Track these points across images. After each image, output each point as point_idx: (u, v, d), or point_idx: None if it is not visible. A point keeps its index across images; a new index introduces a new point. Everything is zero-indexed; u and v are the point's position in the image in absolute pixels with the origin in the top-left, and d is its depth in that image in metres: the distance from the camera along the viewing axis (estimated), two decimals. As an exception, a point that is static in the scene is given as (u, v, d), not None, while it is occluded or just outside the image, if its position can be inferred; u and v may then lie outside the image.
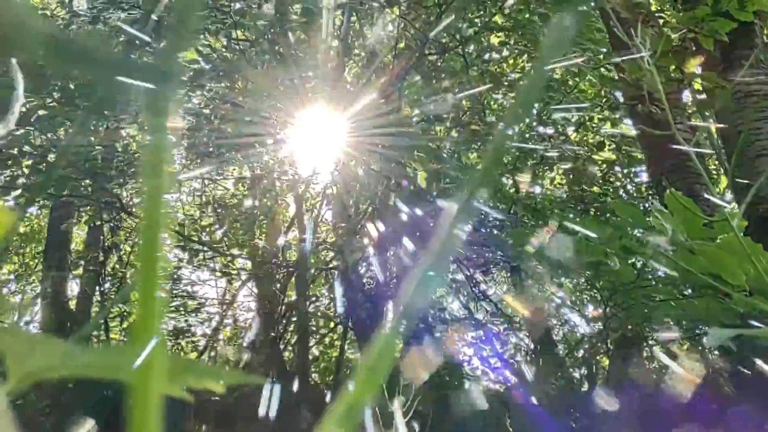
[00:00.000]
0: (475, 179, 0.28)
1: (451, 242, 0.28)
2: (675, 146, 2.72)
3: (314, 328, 6.63)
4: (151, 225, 0.25)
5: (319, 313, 6.84)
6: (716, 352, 4.17)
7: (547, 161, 5.02)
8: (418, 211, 4.10)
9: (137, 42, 4.28)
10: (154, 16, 3.78)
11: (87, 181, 4.73)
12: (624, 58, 2.89)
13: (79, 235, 7.50)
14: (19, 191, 4.48)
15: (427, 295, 0.28)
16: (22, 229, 7.24)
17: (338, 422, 0.24)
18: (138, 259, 0.25)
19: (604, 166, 5.25)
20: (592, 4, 4.24)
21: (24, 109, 4.16)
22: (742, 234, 1.38)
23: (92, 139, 4.44)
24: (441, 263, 0.28)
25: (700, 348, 4.56)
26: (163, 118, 0.25)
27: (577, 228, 2.27)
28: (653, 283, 2.46)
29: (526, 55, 5.01)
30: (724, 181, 4.91)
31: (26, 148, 4.36)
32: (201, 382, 0.37)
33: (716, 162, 5.22)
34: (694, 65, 2.97)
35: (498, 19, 4.96)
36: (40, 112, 4.21)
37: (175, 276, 6.58)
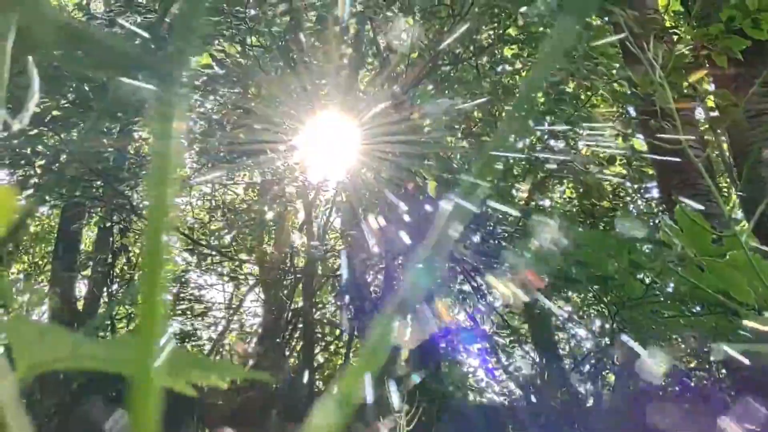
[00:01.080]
0: (470, 181, 0.28)
1: (445, 240, 0.28)
2: (686, 162, 2.70)
3: (320, 335, 6.63)
4: (155, 229, 0.25)
5: (325, 320, 6.83)
6: (723, 371, 4.14)
7: (556, 174, 5.01)
8: (427, 220, 4.10)
9: (153, 46, 4.30)
10: (168, 20, 3.80)
11: (98, 182, 4.75)
12: (633, 72, 2.89)
13: (88, 236, 7.54)
14: (30, 191, 4.51)
15: (422, 289, 0.29)
16: (32, 229, 7.29)
17: (331, 409, 0.24)
18: (143, 260, 0.25)
19: (615, 180, 5.24)
20: (606, 18, 4.25)
21: (38, 110, 4.19)
22: (751, 251, 1.37)
23: (104, 140, 4.47)
24: (435, 260, 0.28)
25: (707, 366, 4.53)
26: (169, 123, 0.26)
27: (586, 241, 2.27)
28: (661, 299, 2.45)
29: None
30: (734, 199, 4.89)
31: (39, 148, 4.40)
32: (206, 377, 0.37)
33: (727, 180, 5.20)
34: (701, 76, 2.97)
35: (512, 31, 4.97)
36: (54, 113, 4.24)
37: (183, 279, 6.60)
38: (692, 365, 4.67)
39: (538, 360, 5.63)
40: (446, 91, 4.54)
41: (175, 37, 0.27)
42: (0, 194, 0.27)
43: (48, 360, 0.35)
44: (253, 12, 4.40)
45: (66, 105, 4.26)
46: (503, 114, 4.93)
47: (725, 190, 5.11)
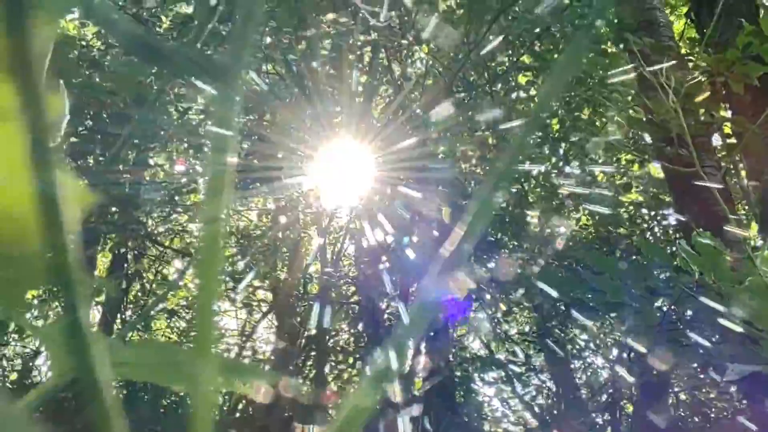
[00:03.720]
0: (476, 210, 0.28)
1: (455, 262, 0.28)
2: (703, 188, 2.67)
3: (333, 363, 6.59)
4: (210, 243, 0.25)
5: (338, 348, 6.79)
6: (744, 401, 4.06)
7: (572, 201, 4.99)
8: (442, 247, 4.07)
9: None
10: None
11: (113, 208, 4.78)
12: (649, 98, 2.88)
13: (102, 261, 7.57)
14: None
15: (431, 313, 0.28)
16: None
17: (368, 387, 0.24)
18: (198, 267, 0.26)
19: (631, 207, 5.21)
20: (621, 45, 4.25)
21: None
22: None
23: (120, 167, 4.50)
24: (441, 282, 0.28)
25: (727, 396, 4.45)
26: (222, 155, 0.26)
27: (602, 268, 2.24)
28: (679, 325, 2.41)
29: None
30: (754, 227, 4.83)
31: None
32: (233, 384, 0.37)
33: (746, 207, 5.14)
34: (717, 102, 2.95)
35: (526, 59, 4.99)
36: (71, 140, 4.28)
37: (196, 306, 6.59)
38: (712, 395, 4.59)
39: (554, 389, 5.56)
40: (460, 117, 4.55)
41: (231, 43, 0.28)
42: (76, 189, 0.27)
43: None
44: (268, 39, 4.45)
45: (83, 132, 4.30)
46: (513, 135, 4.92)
47: (744, 216, 5.06)
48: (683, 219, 3.43)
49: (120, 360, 0.36)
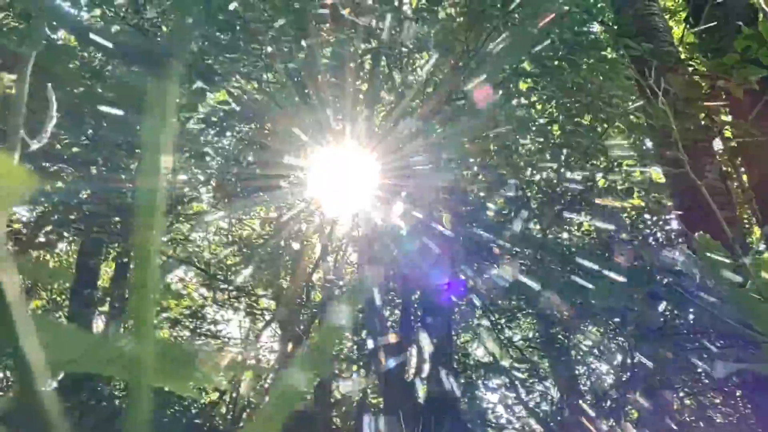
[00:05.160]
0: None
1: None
2: (704, 194, 2.67)
3: (337, 371, 6.58)
4: (144, 244, 0.25)
5: (342, 356, 6.78)
6: (749, 407, 4.05)
7: (574, 207, 4.98)
8: (443, 253, 4.08)
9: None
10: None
11: (116, 218, 4.78)
12: (649, 103, 2.88)
13: (106, 272, 7.57)
14: (50, 227, 4.55)
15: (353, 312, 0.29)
16: (51, 265, 7.33)
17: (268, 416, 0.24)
18: (134, 251, 0.26)
19: (633, 213, 5.19)
20: (622, 52, 4.26)
21: (59, 147, 4.25)
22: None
23: (122, 176, 4.51)
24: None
25: (732, 402, 4.43)
26: (157, 155, 0.26)
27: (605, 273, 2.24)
28: (683, 330, 2.41)
29: (554, 101, 5.02)
30: (757, 231, 4.82)
31: (59, 184, 4.44)
32: (202, 376, 0.36)
33: (748, 210, 5.13)
34: (718, 107, 2.95)
35: (527, 65, 4.98)
36: (73, 150, 4.29)
37: (200, 314, 6.59)
38: (717, 401, 4.57)
39: (558, 395, 5.54)
40: (461, 124, 4.56)
41: (172, 28, 0.28)
42: (15, 170, 0.27)
43: (64, 363, 0.35)
44: (269, 49, 4.46)
45: (85, 142, 4.31)
46: (520, 148, 4.93)
47: (746, 220, 5.05)
48: (684, 223, 3.43)
49: (105, 358, 0.36)
